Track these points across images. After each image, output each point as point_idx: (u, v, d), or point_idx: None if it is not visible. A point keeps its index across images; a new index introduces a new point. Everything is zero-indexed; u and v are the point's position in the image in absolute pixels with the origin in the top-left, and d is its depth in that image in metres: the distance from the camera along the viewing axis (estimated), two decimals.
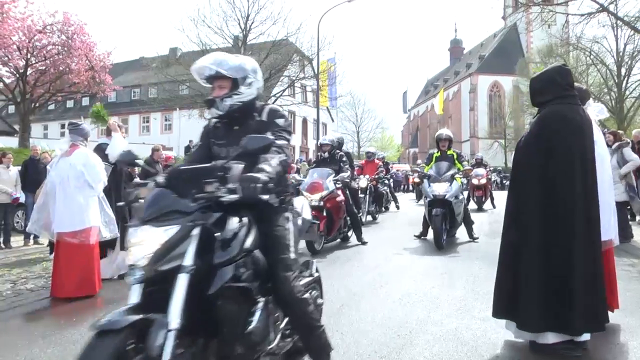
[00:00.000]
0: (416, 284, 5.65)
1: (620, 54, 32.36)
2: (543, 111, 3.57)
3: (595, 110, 4.25)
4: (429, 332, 4.01)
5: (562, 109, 3.45)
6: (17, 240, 9.95)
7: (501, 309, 3.53)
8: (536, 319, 3.27)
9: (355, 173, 11.68)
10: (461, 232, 9.09)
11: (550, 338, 3.30)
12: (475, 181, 15.54)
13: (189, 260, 2.14)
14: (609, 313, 3.58)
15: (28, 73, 21.27)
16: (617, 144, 7.87)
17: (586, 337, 3.28)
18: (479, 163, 17.12)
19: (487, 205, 16.11)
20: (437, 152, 9.05)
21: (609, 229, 3.81)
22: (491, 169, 17.60)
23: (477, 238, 8.76)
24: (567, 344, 3.31)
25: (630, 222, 8.82)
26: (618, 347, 3.67)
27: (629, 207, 10.39)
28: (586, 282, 3.23)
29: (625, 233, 7.28)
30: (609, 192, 3.89)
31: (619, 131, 8.93)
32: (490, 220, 12.25)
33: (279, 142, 2.70)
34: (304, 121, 42.16)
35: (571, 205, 3.29)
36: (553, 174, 3.35)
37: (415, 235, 9.34)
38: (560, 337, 3.29)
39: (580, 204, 3.29)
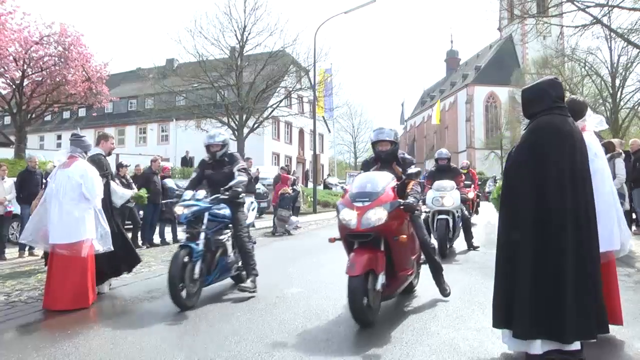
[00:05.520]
0: (413, 295, 5.63)
1: (615, 65, 32.67)
2: (533, 122, 3.62)
3: (595, 122, 4.25)
4: (426, 343, 3.99)
5: (552, 120, 3.49)
6: (11, 252, 9.89)
7: (500, 319, 3.54)
8: (528, 327, 3.30)
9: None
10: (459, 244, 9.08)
11: (542, 347, 3.30)
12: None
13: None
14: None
15: (24, 84, 21.27)
16: (609, 154, 7.91)
17: (577, 346, 3.27)
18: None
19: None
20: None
21: (611, 241, 3.79)
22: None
23: (478, 247, 8.90)
24: (564, 354, 3.30)
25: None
26: (614, 358, 3.66)
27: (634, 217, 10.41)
28: (577, 292, 3.24)
29: None
30: (609, 203, 3.88)
31: (613, 141, 8.93)
32: (487, 231, 12.25)
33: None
34: (301, 132, 42.22)
35: (561, 214, 3.32)
36: (543, 184, 3.38)
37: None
38: (553, 345, 3.29)
39: (571, 213, 3.31)
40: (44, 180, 9.46)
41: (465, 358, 3.65)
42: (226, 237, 5.98)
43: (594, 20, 17.72)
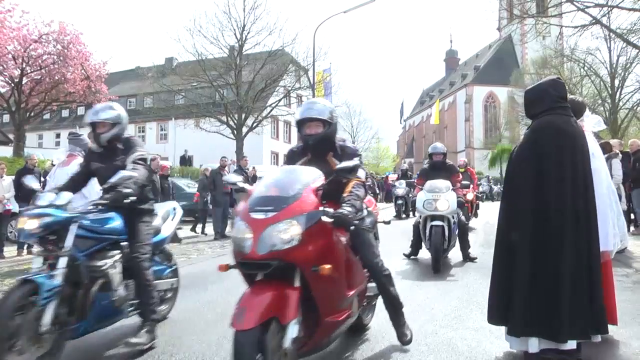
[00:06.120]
0: (410, 294, 5.62)
1: (614, 65, 32.72)
2: (535, 122, 3.62)
3: (593, 122, 4.27)
4: (424, 342, 3.99)
5: (554, 120, 3.50)
6: (10, 251, 9.89)
7: (497, 316, 3.57)
8: (524, 325, 3.31)
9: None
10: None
11: (540, 346, 3.31)
12: None
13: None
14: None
15: (23, 82, 21.28)
16: (606, 155, 7.92)
17: (572, 345, 3.28)
18: None
19: None
20: None
21: (606, 241, 3.80)
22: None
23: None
24: (561, 354, 3.31)
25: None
26: (611, 358, 3.66)
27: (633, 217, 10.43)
28: (574, 291, 3.25)
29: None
30: (605, 203, 3.89)
31: (612, 141, 8.93)
32: (486, 231, 12.25)
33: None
34: None
35: (561, 213, 3.33)
36: (543, 184, 3.39)
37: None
38: (550, 344, 3.30)
39: (571, 212, 3.32)
40: (42, 179, 9.46)
41: (464, 357, 3.65)
42: (111, 262, 3.82)
43: (594, 21, 17.76)
